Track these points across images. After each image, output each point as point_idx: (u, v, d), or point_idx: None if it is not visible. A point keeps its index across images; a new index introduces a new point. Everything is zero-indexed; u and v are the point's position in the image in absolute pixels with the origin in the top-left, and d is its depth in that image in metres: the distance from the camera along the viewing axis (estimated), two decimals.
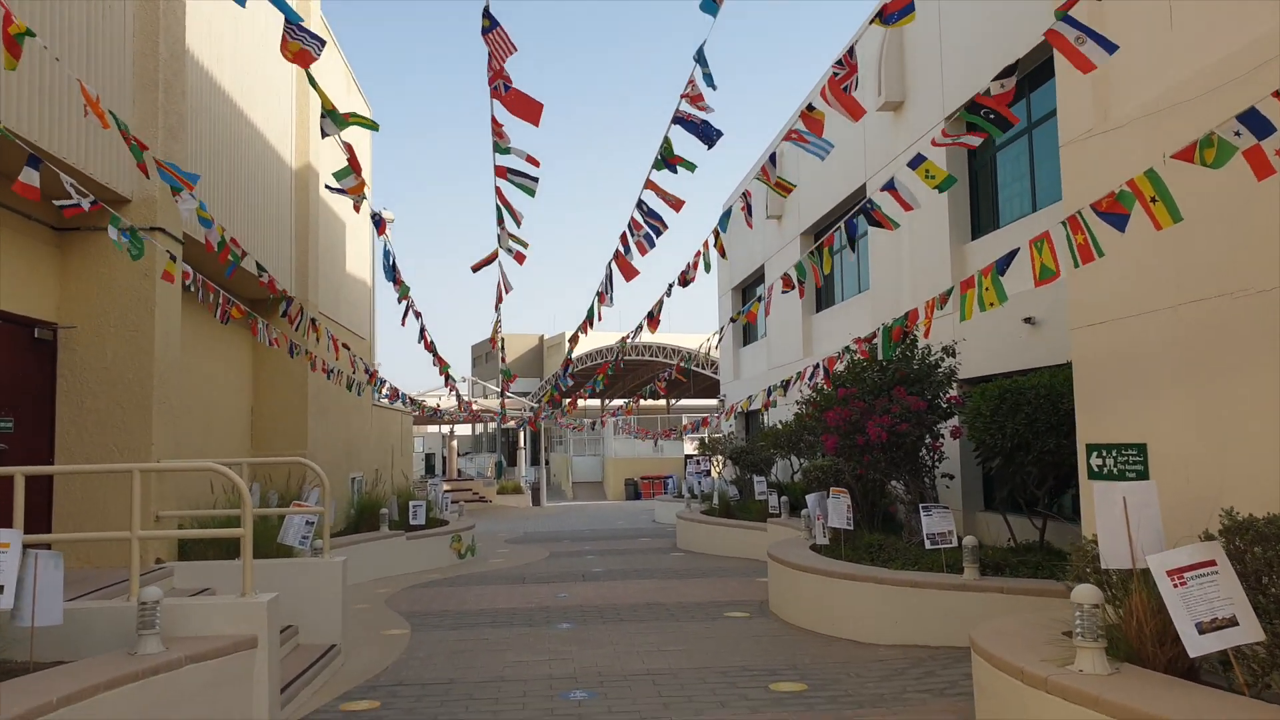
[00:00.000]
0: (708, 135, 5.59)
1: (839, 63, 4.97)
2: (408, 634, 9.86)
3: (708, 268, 8.43)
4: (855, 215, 6.88)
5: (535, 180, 6.13)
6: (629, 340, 11.08)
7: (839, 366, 11.83)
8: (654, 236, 7.02)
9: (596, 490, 47.19)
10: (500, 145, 5.75)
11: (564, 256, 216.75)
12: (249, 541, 6.31)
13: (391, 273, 8.64)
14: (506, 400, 50.81)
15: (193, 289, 8.73)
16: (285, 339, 11.58)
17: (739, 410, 18.24)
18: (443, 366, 13.35)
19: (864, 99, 16.55)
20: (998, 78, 4.46)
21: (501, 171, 6.21)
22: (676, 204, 6.76)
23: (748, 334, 27.55)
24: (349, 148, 6.30)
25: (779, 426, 18.15)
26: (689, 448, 44.89)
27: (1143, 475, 5.95)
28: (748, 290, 26.89)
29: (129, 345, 8.65)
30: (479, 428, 73.07)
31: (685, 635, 9.39)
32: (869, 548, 10.23)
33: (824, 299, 20.72)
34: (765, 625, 9.88)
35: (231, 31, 11.72)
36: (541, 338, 78.33)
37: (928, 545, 8.85)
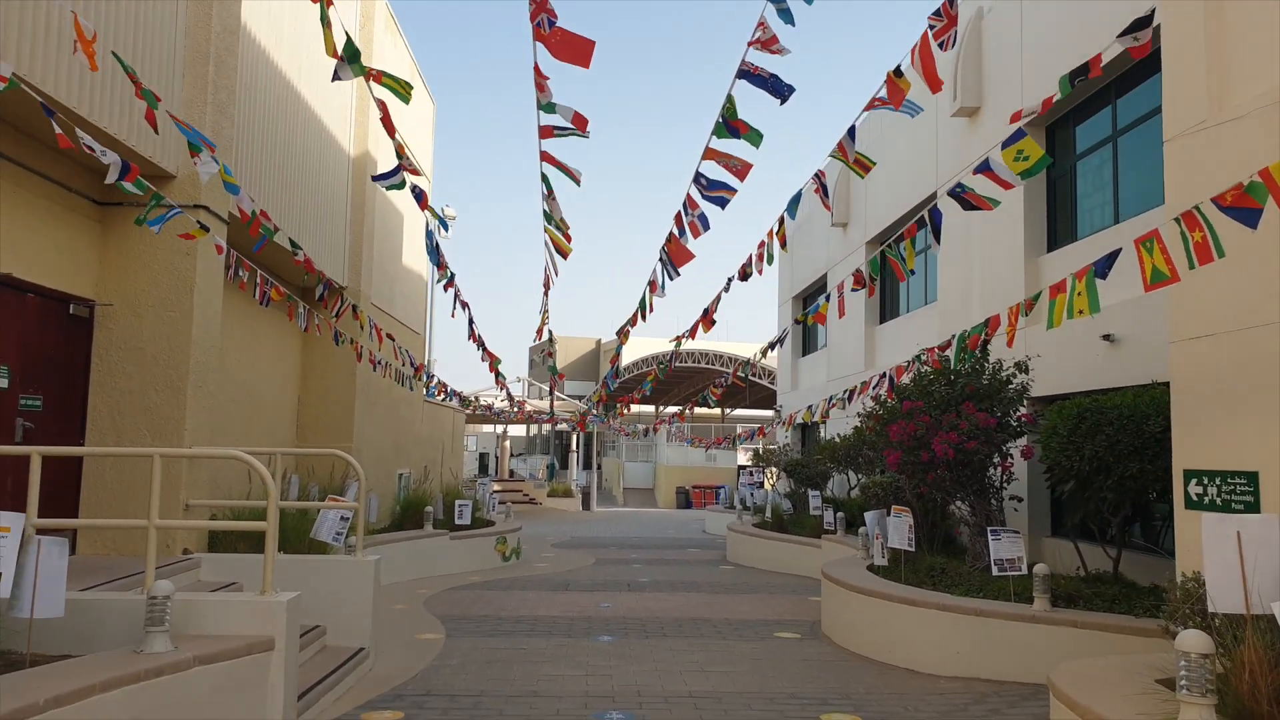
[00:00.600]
0: (778, 90, 4.94)
1: (936, 13, 4.41)
2: (442, 639, 9.48)
3: (770, 260, 7.88)
4: (932, 206, 6.27)
5: (585, 135, 5.48)
6: (681, 341, 10.60)
7: (906, 378, 11.24)
8: (709, 217, 6.49)
9: (647, 497, 46.72)
10: (543, 101, 5.21)
11: (623, 259, 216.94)
12: (273, 536, 5.96)
13: (435, 254, 8.27)
14: (557, 401, 50.66)
15: (230, 269, 8.45)
16: (330, 326, 11.30)
17: (797, 421, 17.68)
18: (493, 361, 13.01)
19: (939, 105, 15.92)
20: (1127, 32, 3.91)
21: (547, 132, 5.64)
22: (743, 170, 5.95)
23: (807, 344, 26.91)
24: (382, 105, 5.87)
25: (836, 440, 17.54)
26: (742, 458, 44.27)
27: (1252, 507, 5.31)
28: (809, 299, 26.25)
29: (166, 325, 8.40)
30: (533, 429, 73.12)
31: (732, 655, 8.88)
32: (930, 571, 9.62)
33: (888, 310, 20.04)
34: (817, 648, 9.32)
35: (291, 11, 11.51)
36: (598, 341, 78.09)
37: (995, 571, 8.24)
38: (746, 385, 45.87)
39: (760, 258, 7.99)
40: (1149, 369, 9.73)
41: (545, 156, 6.11)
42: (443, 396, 15.63)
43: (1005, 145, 4.88)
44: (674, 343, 10.66)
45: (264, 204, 10.55)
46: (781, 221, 7.57)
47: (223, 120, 8.97)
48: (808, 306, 26.98)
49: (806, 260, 25.41)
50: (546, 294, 10.29)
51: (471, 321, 11.14)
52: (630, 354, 65.74)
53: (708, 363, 43.37)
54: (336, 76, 5.01)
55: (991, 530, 8.33)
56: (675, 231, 6.68)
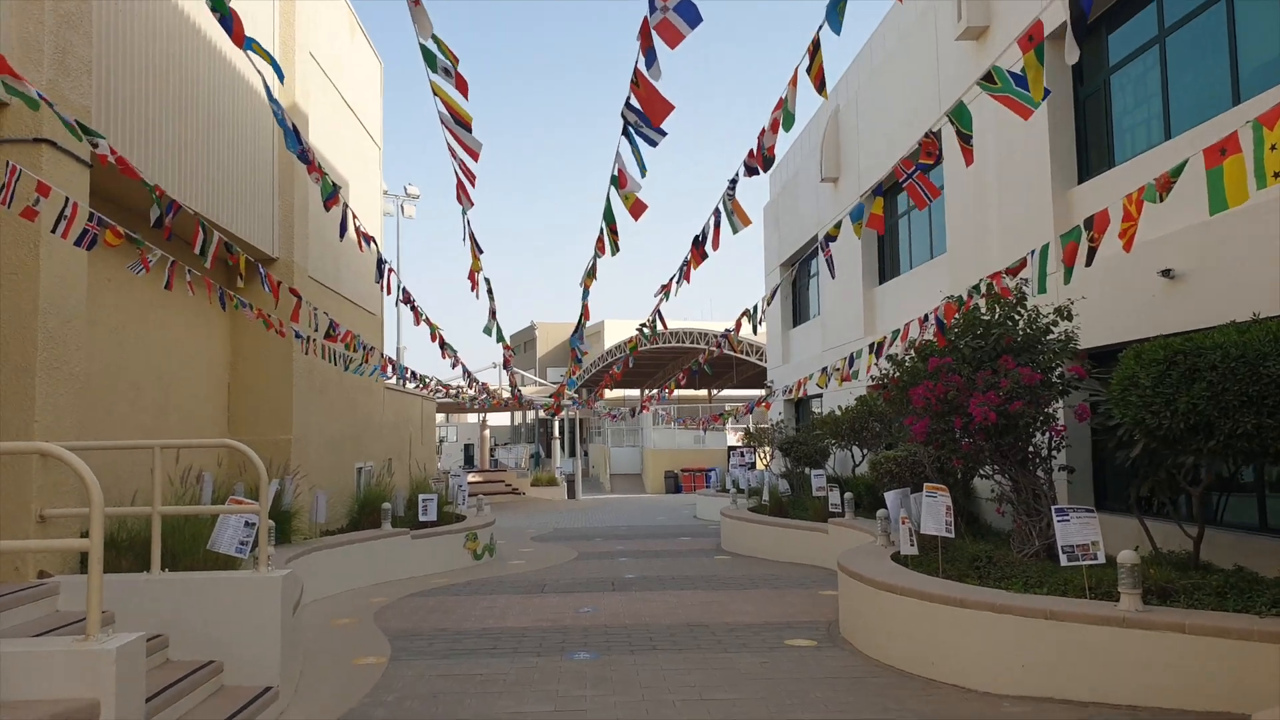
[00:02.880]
0: None
1: None
2: (384, 663, 7.79)
3: (788, 124, 5.96)
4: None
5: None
6: (671, 289, 8.95)
7: (927, 335, 9.57)
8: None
9: (635, 483, 45.08)
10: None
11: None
12: (97, 558, 4.24)
13: (295, 144, 6.63)
14: (535, 387, 48.91)
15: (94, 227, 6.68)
16: (253, 304, 9.54)
17: (789, 397, 16.06)
18: (434, 330, 11.38)
19: (941, 29, 14.24)
20: None
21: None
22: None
23: (798, 313, 25.25)
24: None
25: (838, 412, 15.91)
26: (732, 439, 42.66)
27: None
28: (800, 266, 24.55)
29: (5, 291, 6.63)
30: (518, 418, 71.52)
31: (736, 674, 7.22)
32: (974, 562, 7.99)
33: (887, 268, 18.38)
34: (838, 660, 7.67)
35: None
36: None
37: (1064, 561, 6.61)
38: (733, 368, 44.30)
39: (777, 129, 6.16)
40: (1222, 307, 8.11)
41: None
42: (395, 378, 13.83)
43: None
44: (661, 294, 9.05)
45: (150, 152, 8.78)
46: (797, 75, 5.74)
47: (72, 34, 7.15)
48: (799, 274, 25.30)
49: (794, 222, 23.72)
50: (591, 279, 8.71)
51: (409, 296, 9.50)
52: (613, 336, 64.11)
53: (691, 342, 41.64)
54: None
55: (1058, 510, 6.69)
56: (641, 64, 4.99)
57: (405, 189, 32.53)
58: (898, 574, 7.94)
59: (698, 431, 42.77)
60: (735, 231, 6.61)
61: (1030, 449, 8.81)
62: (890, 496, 9.62)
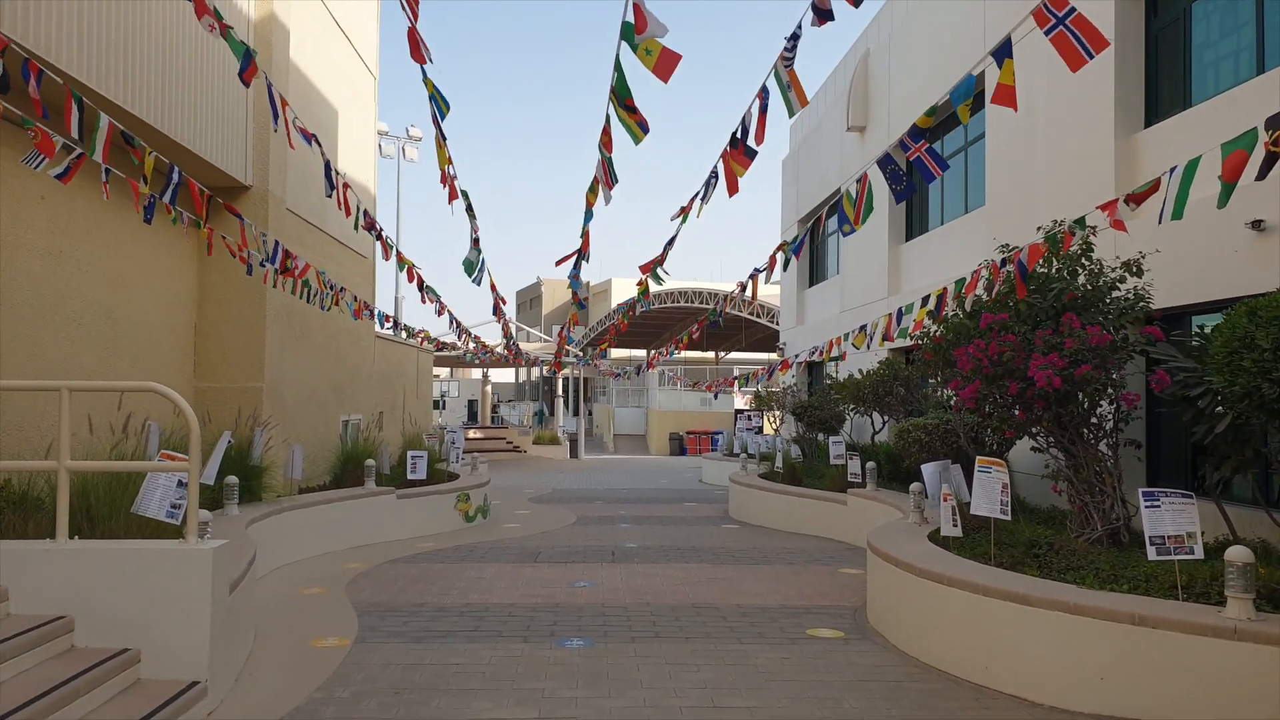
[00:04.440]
0: None
1: None
2: (347, 646, 6.77)
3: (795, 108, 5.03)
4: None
5: None
6: (685, 215, 7.73)
7: (978, 292, 8.40)
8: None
9: (639, 444, 44.11)
10: None
11: (613, 205, 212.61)
12: None
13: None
14: (538, 343, 47.83)
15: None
16: (209, 232, 8.40)
17: (816, 358, 14.95)
18: (420, 282, 10.29)
19: None
20: None
21: None
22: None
23: (815, 272, 24.01)
24: None
25: (858, 375, 14.79)
26: (740, 402, 41.60)
27: None
28: (818, 224, 23.28)
29: None
30: (522, 375, 70.63)
31: (753, 672, 6.18)
32: (1031, 548, 6.91)
33: (914, 224, 17.16)
34: (871, 657, 6.63)
35: None
36: (587, 284, 75.25)
37: (1153, 554, 5.53)
38: (743, 325, 43.08)
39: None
40: None
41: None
42: (370, 321, 12.68)
43: None
44: (680, 216, 7.87)
45: (75, 42, 7.61)
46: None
47: None
48: (815, 233, 24.03)
49: (815, 175, 22.45)
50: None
51: (372, 222, 8.36)
52: (620, 295, 62.94)
53: (701, 302, 40.45)
54: None
55: (1147, 494, 5.60)
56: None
57: (407, 130, 31.21)
58: (941, 559, 6.88)
59: (704, 393, 41.65)
60: (791, 114, 5.30)
61: (1094, 420, 7.71)
62: (928, 469, 8.56)
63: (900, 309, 8.70)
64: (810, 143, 23.10)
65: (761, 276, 10.09)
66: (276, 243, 8.59)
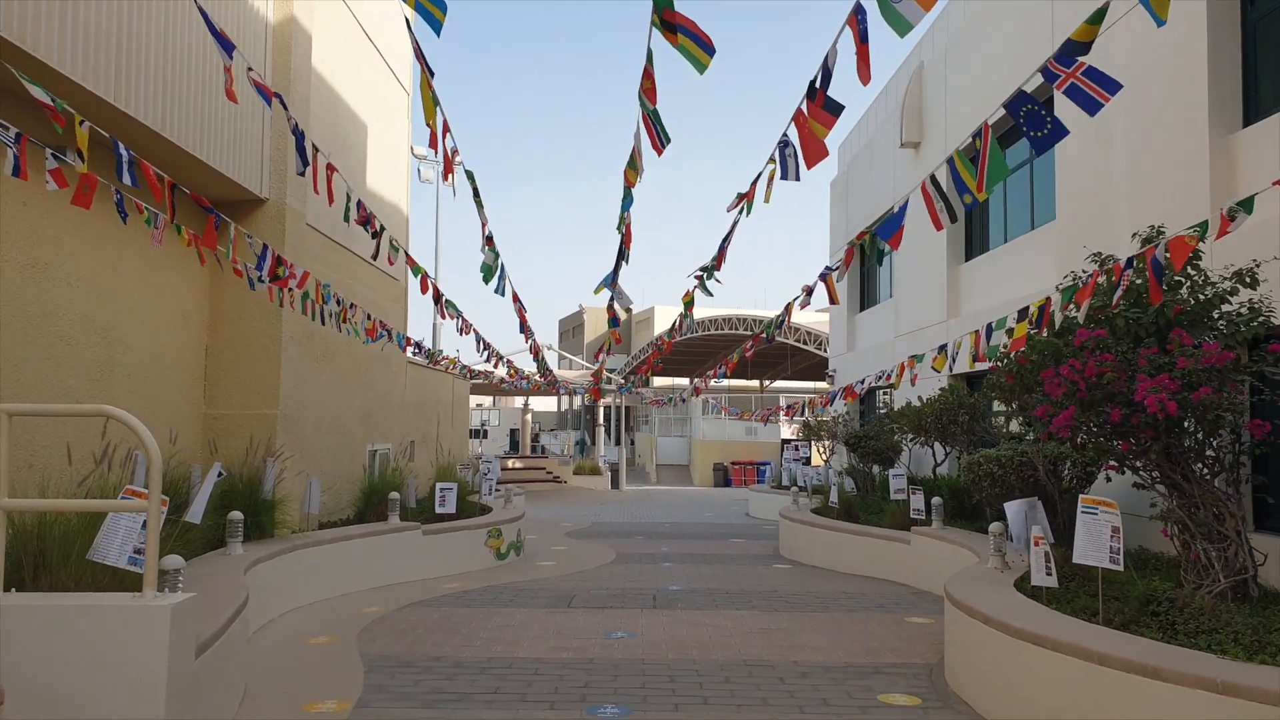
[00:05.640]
0: None
1: None
2: (346, 712, 5.88)
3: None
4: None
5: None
6: (750, 205, 6.78)
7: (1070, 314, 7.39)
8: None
9: (682, 474, 43.03)
10: None
11: (657, 231, 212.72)
12: None
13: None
14: (576, 371, 47.01)
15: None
16: (193, 238, 7.61)
17: (885, 384, 13.89)
18: (436, 293, 9.48)
19: None
20: None
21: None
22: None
23: (866, 296, 22.95)
24: None
25: (919, 403, 13.73)
26: (786, 431, 40.39)
27: None
28: (868, 243, 22.21)
29: None
30: (564, 403, 70.01)
31: None
32: (1147, 605, 5.85)
33: (975, 242, 16.10)
34: None
35: None
36: (630, 313, 74.50)
37: None
38: (788, 352, 41.90)
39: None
40: None
41: None
42: (386, 342, 11.84)
43: None
44: (736, 206, 6.93)
45: (66, 33, 6.92)
46: None
47: None
48: (866, 252, 22.96)
49: (867, 193, 21.45)
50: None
51: (365, 213, 7.49)
52: (663, 323, 62.05)
53: (745, 329, 39.46)
54: None
55: None
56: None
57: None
58: (1038, 616, 5.85)
59: (749, 422, 40.46)
60: (901, 33, 4.10)
61: (1210, 452, 6.65)
62: (1013, 508, 7.54)
63: (990, 324, 7.66)
64: (860, 162, 22.17)
65: (820, 287, 9.16)
66: (265, 246, 7.72)
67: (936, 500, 11.38)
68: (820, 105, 4.82)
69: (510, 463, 36.59)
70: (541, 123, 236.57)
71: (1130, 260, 6.39)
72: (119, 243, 8.32)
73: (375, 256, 8.75)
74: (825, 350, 32.50)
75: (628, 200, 6.32)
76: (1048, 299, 6.52)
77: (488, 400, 60.23)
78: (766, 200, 6.10)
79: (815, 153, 4.99)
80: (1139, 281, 7.14)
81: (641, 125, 5.34)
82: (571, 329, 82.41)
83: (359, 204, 7.70)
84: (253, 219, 10.15)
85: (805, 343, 37.19)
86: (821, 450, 21.22)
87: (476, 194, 7.36)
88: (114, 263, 8.28)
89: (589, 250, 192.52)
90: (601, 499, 29.29)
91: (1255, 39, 9.03)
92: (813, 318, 36.20)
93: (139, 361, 8.73)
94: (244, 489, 9.24)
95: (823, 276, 7.89)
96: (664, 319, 62.80)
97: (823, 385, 43.31)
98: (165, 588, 4.75)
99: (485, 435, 53.04)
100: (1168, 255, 7.31)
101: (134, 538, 4.86)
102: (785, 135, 5.43)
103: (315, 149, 6.70)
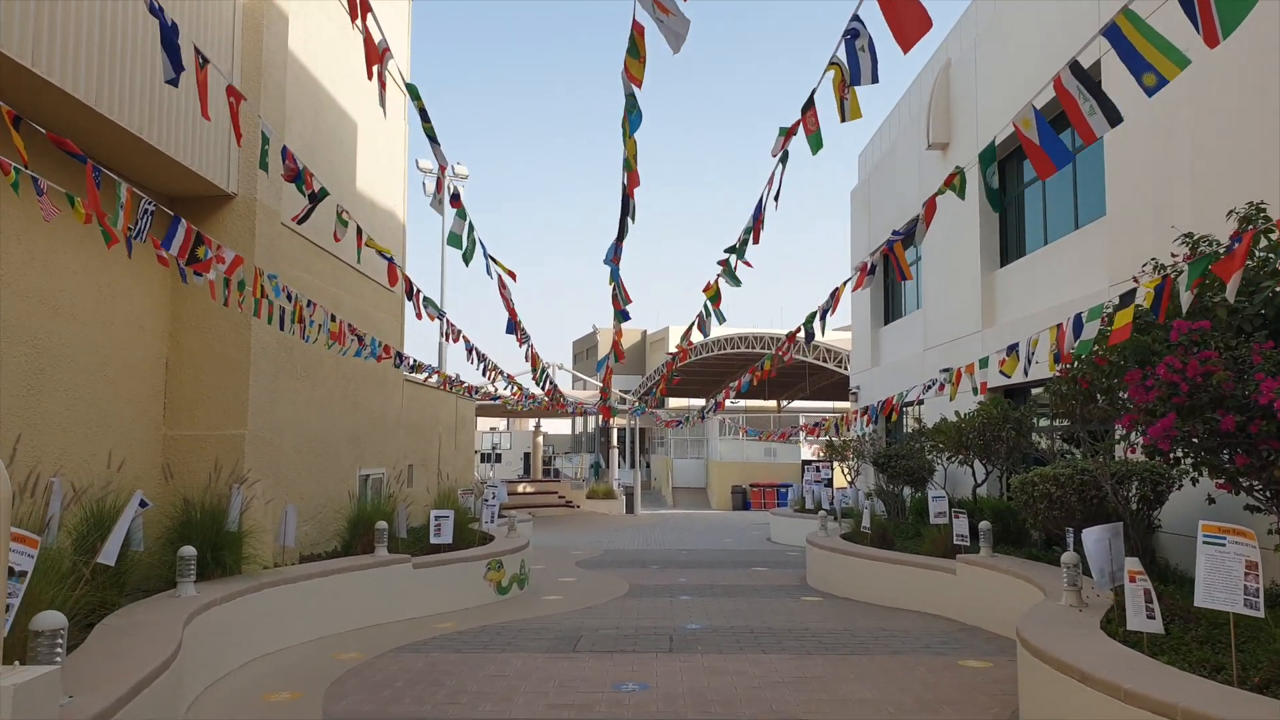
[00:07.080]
0: None
1: None
2: None
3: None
4: None
5: None
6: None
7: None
8: None
9: (699, 497, 41.75)
10: None
11: (673, 249, 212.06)
12: None
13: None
14: (587, 392, 45.89)
15: None
16: (144, 243, 6.53)
17: (916, 396, 12.74)
18: (420, 298, 8.41)
19: None
20: None
21: None
22: None
23: (891, 309, 21.79)
24: None
25: (957, 418, 12.53)
26: (806, 452, 39.11)
27: None
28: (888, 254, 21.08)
29: None
30: (578, 426, 68.87)
31: None
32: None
33: (1009, 248, 14.94)
34: None
35: None
36: (644, 333, 73.45)
37: None
38: (806, 371, 40.69)
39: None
40: None
41: None
42: (366, 352, 10.70)
43: None
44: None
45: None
46: None
47: None
48: (889, 264, 21.79)
49: (891, 200, 20.36)
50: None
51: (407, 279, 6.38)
52: (671, 345, 60.92)
53: (762, 347, 38.30)
54: None
55: None
56: None
57: (454, 168, 29.76)
58: (1152, 674, 4.66)
59: (768, 443, 39.14)
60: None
61: None
62: (1092, 535, 6.36)
63: (1080, 314, 6.50)
64: (883, 168, 21.09)
65: (848, 286, 8.08)
66: (177, 218, 6.52)
67: (984, 525, 10.19)
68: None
69: (521, 487, 35.41)
70: (563, 134, 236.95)
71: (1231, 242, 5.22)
72: (50, 235, 7.27)
73: (357, 244, 7.68)
74: (846, 368, 31.27)
75: (635, 114, 4.82)
76: (1165, 276, 5.33)
77: (501, 423, 59.08)
78: (815, 139, 4.95)
79: (916, 23, 3.54)
80: (1250, 264, 6.01)
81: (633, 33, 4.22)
82: (585, 350, 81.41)
83: (284, 152, 6.45)
84: (218, 218, 9.11)
85: (825, 360, 35.99)
86: (846, 471, 19.99)
87: (433, 134, 6.00)
88: (44, 259, 7.23)
89: (602, 269, 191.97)
90: (615, 524, 28.08)
91: None
92: (833, 335, 35.00)
93: (80, 375, 7.66)
94: (203, 520, 8.15)
95: (890, 244, 6.78)
96: (679, 338, 61.69)
97: (843, 405, 42.06)
98: (37, 657, 3.65)
99: (498, 459, 51.83)
100: (1273, 236, 6.22)
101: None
102: (856, 19, 4.10)
103: (196, 50, 5.45)
